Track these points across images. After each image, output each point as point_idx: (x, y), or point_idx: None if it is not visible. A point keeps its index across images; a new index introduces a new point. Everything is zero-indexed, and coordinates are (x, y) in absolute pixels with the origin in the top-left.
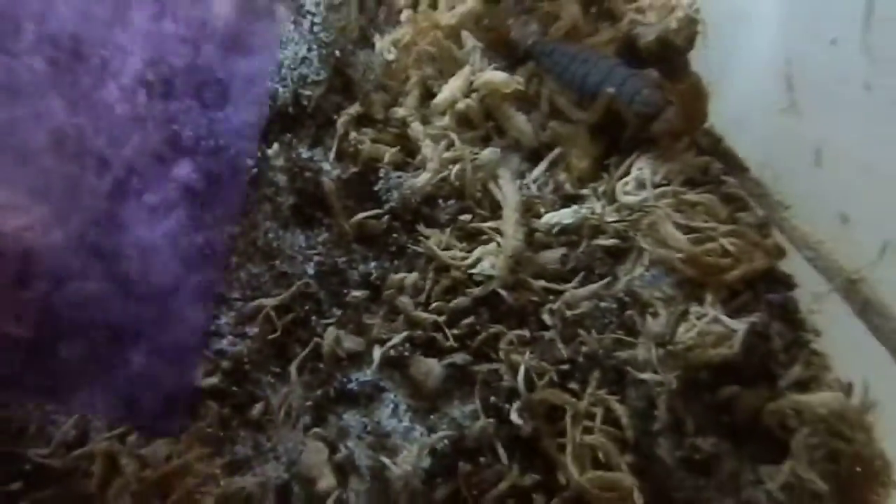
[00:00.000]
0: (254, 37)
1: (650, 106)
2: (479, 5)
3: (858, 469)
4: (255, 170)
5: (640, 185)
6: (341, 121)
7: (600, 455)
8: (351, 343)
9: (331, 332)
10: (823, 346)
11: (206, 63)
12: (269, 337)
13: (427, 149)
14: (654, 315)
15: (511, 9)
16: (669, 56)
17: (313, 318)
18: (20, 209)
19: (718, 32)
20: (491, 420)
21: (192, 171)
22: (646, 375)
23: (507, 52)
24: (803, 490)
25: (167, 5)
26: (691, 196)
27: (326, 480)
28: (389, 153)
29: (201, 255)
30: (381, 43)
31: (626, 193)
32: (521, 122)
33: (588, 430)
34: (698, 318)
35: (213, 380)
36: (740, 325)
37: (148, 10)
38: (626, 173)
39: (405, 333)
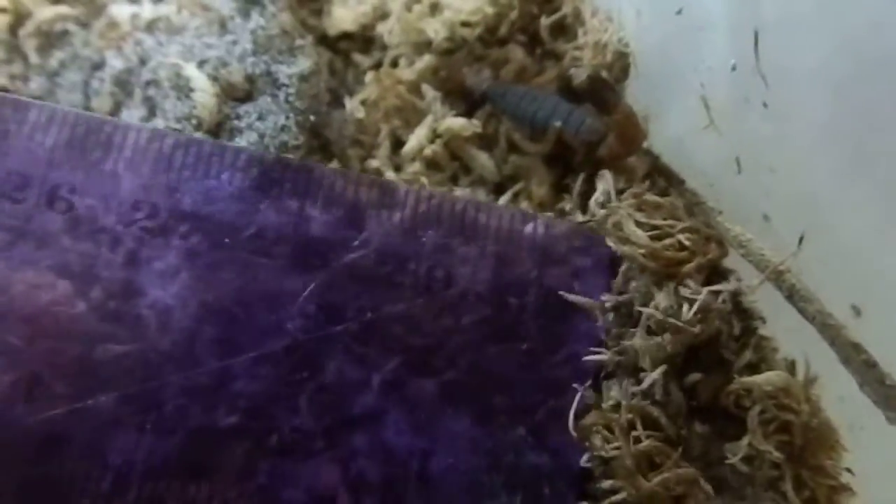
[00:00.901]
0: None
1: (594, 134)
2: (435, 60)
3: (809, 437)
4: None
5: (608, 194)
6: None
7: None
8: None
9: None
10: (768, 331)
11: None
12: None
13: None
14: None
15: (463, 59)
16: (600, 91)
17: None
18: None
19: (648, 63)
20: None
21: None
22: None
23: (464, 98)
24: (762, 461)
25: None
26: (650, 197)
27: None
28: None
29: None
30: (351, 103)
31: (596, 202)
32: (483, 160)
33: (636, 440)
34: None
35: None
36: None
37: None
38: (587, 190)
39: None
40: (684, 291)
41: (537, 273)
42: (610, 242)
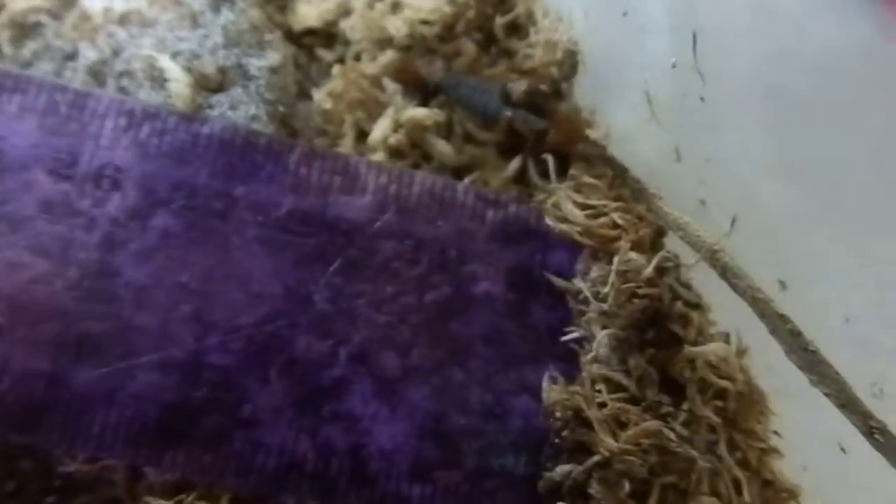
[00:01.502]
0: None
1: (541, 123)
2: (396, 55)
3: (742, 403)
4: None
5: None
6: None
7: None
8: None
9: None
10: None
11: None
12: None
13: None
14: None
15: (417, 53)
16: (538, 103)
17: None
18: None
19: (596, 61)
20: None
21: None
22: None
23: (418, 89)
24: (700, 425)
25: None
26: (587, 179)
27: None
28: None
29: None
30: (319, 94)
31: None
32: (442, 147)
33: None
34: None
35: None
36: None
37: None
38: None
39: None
40: (619, 265)
41: (503, 250)
42: (549, 221)
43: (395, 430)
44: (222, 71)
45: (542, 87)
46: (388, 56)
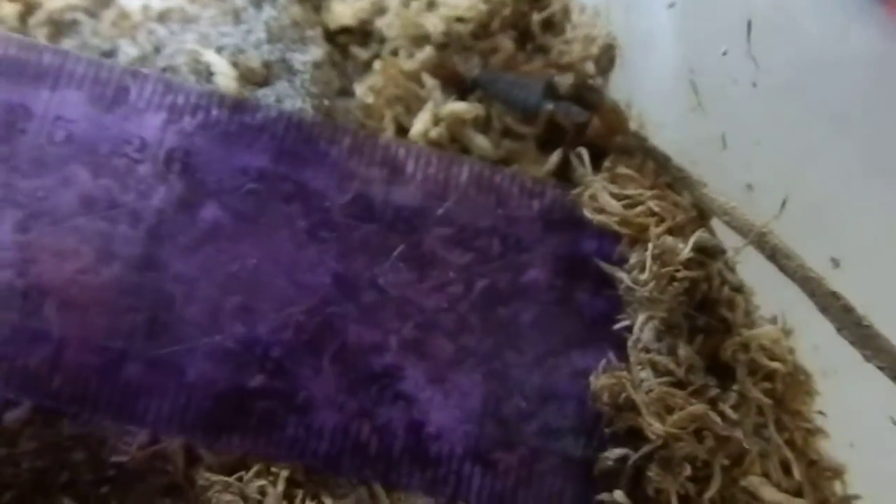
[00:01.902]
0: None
1: (582, 115)
2: (432, 52)
3: (789, 383)
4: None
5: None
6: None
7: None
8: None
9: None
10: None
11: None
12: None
13: None
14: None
15: (454, 50)
16: (584, 95)
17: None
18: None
19: (635, 54)
20: None
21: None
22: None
23: (455, 86)
24: (749, 407)
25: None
26: (622, 170)
27: None
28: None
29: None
30: (360, 89)
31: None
32: (481, 142)
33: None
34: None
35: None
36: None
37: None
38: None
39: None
40: (655, 249)
41: (547, 237)
42: (586, 212)
43: (451, 413)
44: (267, 65)
45: (589, 80)
46: (426, 53)
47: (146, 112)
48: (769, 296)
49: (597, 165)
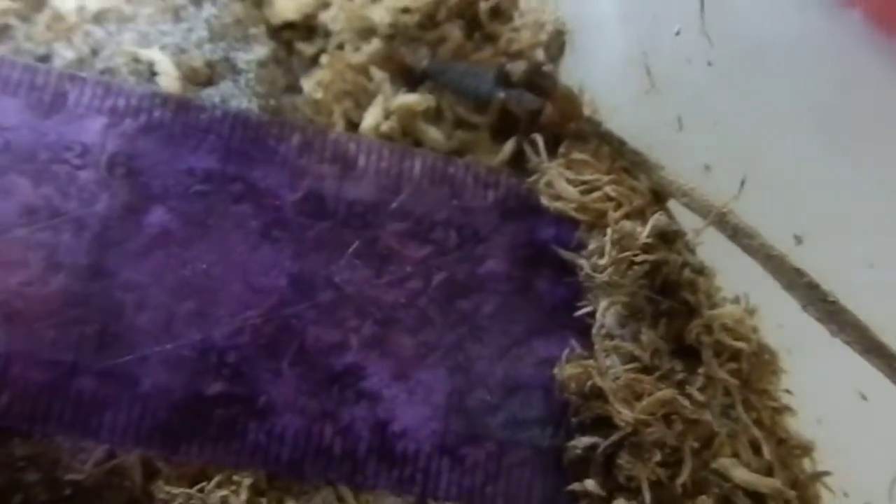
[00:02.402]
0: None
1: (535, 102)
2: (379, 45)
3: (755, 363)
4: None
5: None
6: None
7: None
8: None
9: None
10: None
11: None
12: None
13: None
14: None
15: (401, 41)
16: (537, 81)
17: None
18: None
19: (583, 38)
20: None
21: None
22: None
23: (406, 77)
24: (716, 389)
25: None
26: (577, 155)
27: None
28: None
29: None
30: (308, 84)
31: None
32: (433, 133)
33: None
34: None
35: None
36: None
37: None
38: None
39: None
40: (613, 234)
41: (504, 226)
42: (543, 200)
43: (416, 410)
44: (210, 65)
45: (541, 67)
46: (373, 45)
47: (86, 117)
48: (731, 276)
49: (552, 152)
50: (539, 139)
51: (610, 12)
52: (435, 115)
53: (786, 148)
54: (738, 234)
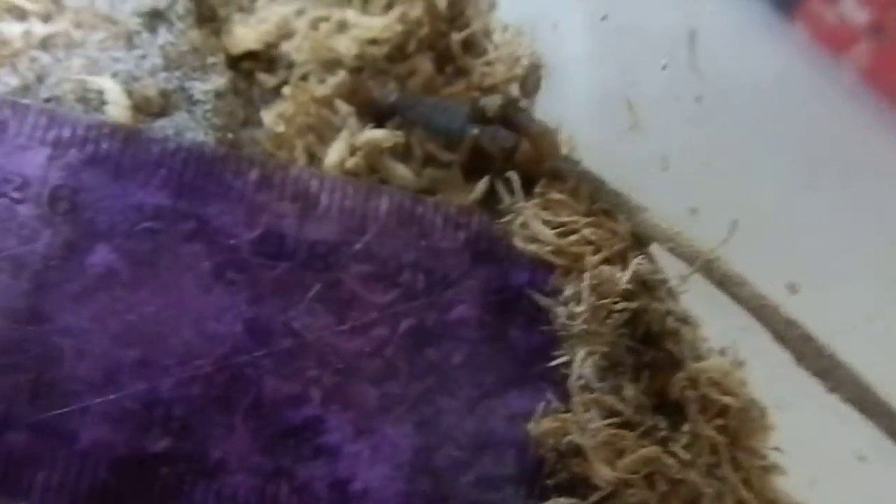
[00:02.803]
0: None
1: (510, 139)
2: (345, 76)
3: (743, 419)
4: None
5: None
6: None
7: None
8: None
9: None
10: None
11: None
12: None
13: None
14: None
15: (368, 74)
16: (512, 116)
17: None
18: None
19: (561, 72)
20: None
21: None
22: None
23: (373, 111)
24: (702, 446)
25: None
26: (555, 195)
27: None
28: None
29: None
30: (268, 118)
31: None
32: (402, 171)
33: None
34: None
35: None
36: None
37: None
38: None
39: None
40: (591, 280)
41: (476, 270)
42: (517, 242)
43: (380, 469)
44: (164, 94)
45: (517, 89)
46: (338, 78)
47: (28, 148)
48: (717, 326)
49: (527, 192)
50: (514, 177)
51: (588, 45)
52: (403, 152)
53: (779, 191)
54: (727, 283)
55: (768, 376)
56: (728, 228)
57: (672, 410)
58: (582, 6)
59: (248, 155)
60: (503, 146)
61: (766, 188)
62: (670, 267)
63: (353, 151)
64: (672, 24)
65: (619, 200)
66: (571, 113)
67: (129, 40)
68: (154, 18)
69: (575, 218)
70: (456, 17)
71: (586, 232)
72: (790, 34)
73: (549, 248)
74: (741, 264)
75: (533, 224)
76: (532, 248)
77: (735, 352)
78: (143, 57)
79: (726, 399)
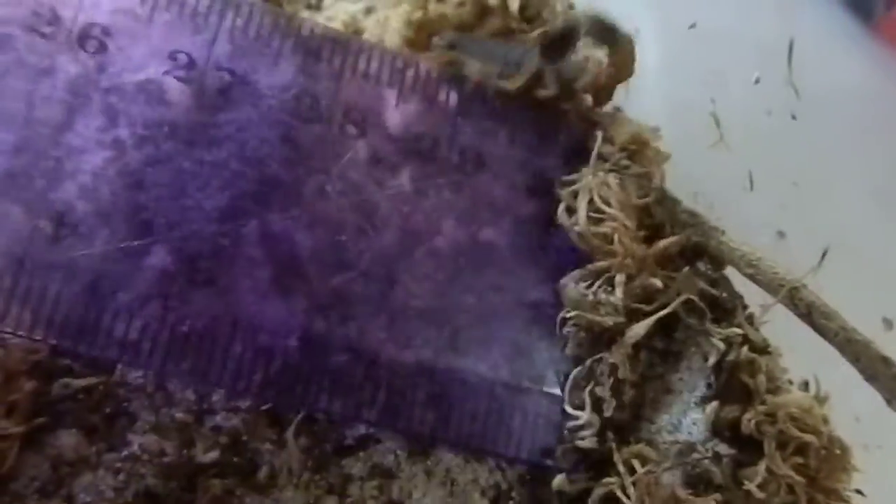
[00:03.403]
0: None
1: (578, 70)
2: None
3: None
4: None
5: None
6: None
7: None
8: (341, 402)
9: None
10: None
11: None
12: (263, 408)
13: None
14: None
15: None
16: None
17: (299, 387)
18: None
19: (642, 82)
20: None
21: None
22: None
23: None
24: (779, 486)
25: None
26: (611, 179)
27: None
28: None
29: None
30: None
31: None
32: None
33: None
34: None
35: (214, 454)
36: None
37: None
38: None
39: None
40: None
41: None
42: (561, 209)
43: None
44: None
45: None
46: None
47: None
48: (800, 356)
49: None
50: (599, 139)
51: (672, 53)
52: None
53: (876, 216)
54: (814, 314)
55: (854, 414)
56: (818, 255)
57: (746, 444)
58: (667, 12)
59: None
60: (565, 77)
61: (861, 213)
62: (752, 293)
63: None
64: (766, 35)
65: (694, 221)
66: (649, 124)
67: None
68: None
69: (614, 212)
70: (532, 18)
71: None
72: (873, 46)
73: (577, 227)
74: (831, 295)
75: (581, 198)
76: (566, 220)
77: (818, 385)
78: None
79: (806, 436)
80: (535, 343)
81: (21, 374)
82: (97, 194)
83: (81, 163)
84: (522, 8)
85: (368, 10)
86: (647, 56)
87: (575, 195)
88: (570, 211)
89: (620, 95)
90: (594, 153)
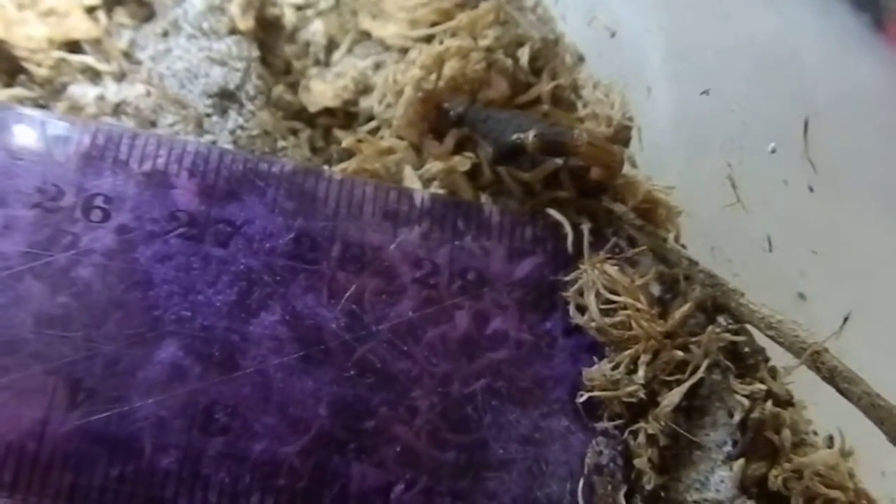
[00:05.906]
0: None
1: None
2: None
3: None
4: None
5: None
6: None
7: None
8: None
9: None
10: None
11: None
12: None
13: None
14: None
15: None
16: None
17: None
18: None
19: (658, 139)
20: None
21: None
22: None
23: (437, 119)
24: None
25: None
26: (610, 268)
27: None
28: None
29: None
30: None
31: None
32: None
33: None
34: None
35: None
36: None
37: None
38: None
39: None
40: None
41: None
42: (571, 306)
43: None
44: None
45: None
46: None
47: None
48: (825, 409)
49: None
50: (586, 231)
51: (685, 115)
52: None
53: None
54: (837, 377)
55: (881, 470)
56: (840, 318)
57: (774, 500)
58: (679, 76)
59: None
60: (562, 141)
61: (885, 277)
62: (777, 353)
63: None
64: (782, 108)
65: (713, 282)
66: (663, 182)
67: (199, 125)
68: (225, 99)
69: (626, 300)
70: (540, 70)
71: (631, 320)
72: None
73: (593, 323)
74: (853, 359)
75: (587, 293)
76: (580, 318)
77: (843, 440)
78: (213, 143)
79: (833, 493)
80: None
81: None
82: None
83: None
84: (533, 59)
85: (377, 66)
86: (659, 117)
87: (581, 293)
88: (580, 309)
89: (634, 147)
90: (585, 245)
